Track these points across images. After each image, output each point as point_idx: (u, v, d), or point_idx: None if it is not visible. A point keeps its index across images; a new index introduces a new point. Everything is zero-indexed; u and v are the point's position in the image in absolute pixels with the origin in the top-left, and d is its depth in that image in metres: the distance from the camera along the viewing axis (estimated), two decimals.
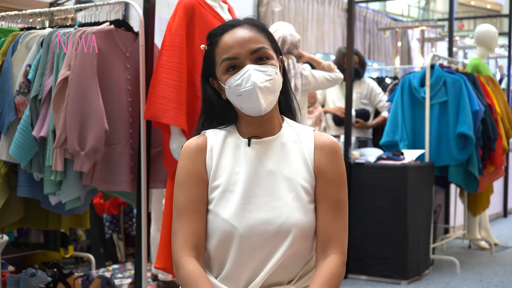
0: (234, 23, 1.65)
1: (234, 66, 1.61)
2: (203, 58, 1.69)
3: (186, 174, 1.64)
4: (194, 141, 1.68)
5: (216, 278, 1.62)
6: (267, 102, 1.59)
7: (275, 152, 1.65)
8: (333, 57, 7.33)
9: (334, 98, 5.70)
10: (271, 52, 1.64)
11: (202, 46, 1.69)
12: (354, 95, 5.46)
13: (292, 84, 4.19)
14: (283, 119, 1.71)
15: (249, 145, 1.65)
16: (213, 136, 1.68)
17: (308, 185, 1.63)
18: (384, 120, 5.49)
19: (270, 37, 1.66)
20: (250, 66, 1.59)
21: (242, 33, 1.62)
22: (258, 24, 1.66)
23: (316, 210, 1.64)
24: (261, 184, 1.62)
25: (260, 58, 1.61)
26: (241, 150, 1.65)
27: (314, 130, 1.70)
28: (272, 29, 4.24)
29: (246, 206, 1.59)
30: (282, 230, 1.57)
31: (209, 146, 1.66)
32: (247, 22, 1.65)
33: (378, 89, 5.73)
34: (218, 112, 1.70)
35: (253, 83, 1.57)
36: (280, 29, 4.16)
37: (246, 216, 1.58)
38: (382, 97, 5.68)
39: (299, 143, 1.67)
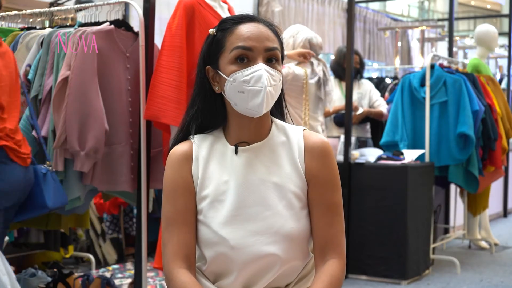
0: (252, 18, 1.60)
1: (244, 58, 1.54)
2: (208, 43, 1.61)
3: (172, 184, 1.59)
4: (179, 148, 1.62)
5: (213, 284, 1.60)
6: (267, 107, 1.54)
7: (263, 159, 1.59)
8: (333, 57, 7.34)
9: (335, 98, 5.70)
10: (280, 57, 1.59)
11: (211, 30, 1.61)
12: (355, 96, 5.45)
13: (328, 89, 4.26)
14: (272, 121, 1.65)
15: (236, 153, 1.59)
16: (200, 143, 1.62)
17: (299, 191, 1.58)
18: (380, 114, 5.47)
19: (281, 43, 1.62)
20: (263, 65, 1.53)
21: (260, 28, 1.57)
22: (274, 27, 1.62)
23: (311, 215, 1.59)
24: (251, 193, 1.56)
25: (270, 59, 1.56)
26: (228, 158, 1.59)
27: (304, 129, 1.64)
28: (290, 31, 4.27)
29: (236, 217, 1.54)
30: (275, 241, 1.53)
31: (195, 155, 1.60)
32: (264, 22, 1.61)
33: (376, 90, 5.73)
34: (206, 104, 1.62)
35: (264, 85, 1.51)
36: (301, 31, 4.25)
37: (236, 227, 1.54)
38: (379, 97, 5.67)
39: (289, 146, 1.61)
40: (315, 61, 4.23)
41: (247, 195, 1.56)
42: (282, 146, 1.61)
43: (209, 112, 1.63)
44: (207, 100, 1.62)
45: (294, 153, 1.60)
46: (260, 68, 1.52)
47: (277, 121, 1.66)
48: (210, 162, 1.60)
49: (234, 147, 1.60)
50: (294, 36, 4.25)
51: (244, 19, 1.59)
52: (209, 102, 1.62)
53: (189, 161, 1.60)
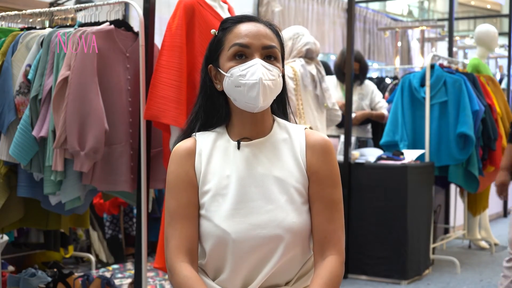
0: (252, 18, 1.65)
1: (242, 55, 1.59)
2: (210, 42, 1.67)
3: (175, 179, 1.62)
4: (183, 145, 1.65)
5: (213, 281, 1.61)
6: (265, 101, 1.57)
7: (266, 154, 1.62)
8: (333, 57, 7.33)
9: (337, 97, 5.69)
10: (279, 56, 1.63)
11: (213, 31, 1.67)
12: (356, 96, 5.44)
13: (325, 85, 4.24)
14: (274, 119, 1.68)
15: (238, 148, 1.62)
16: (203, 139, 1.65)
17: (301, 186, 1.61)
18: (381, 116, 5.46)
19: (281, 42, 1.66)
20: (258, 60, 1.57)
21: (259, 27, 1.62)
22: (273, 26, 1.66)
23: (311, 211, 1.61)
24: (253, 187, 1.59)
25: (268, 56, 1.60)
26: (230, 153, 1.62)
27: (305, 128, 1.68)
28: (291, 33, 4.21)
29: (239, 211, 1.57)
30: (276, 234, 1.55)
31: (198, 150, 1.64)
32: (264, 22, 1.65)
33: (378, 91, 5.71)
34: (209, 102, 1.66)
35: (259, 78, 1.54)
36: (302, 37, 4.18)
37: (238, 220, 1.56)
38: (381, 99, 5.66)
39: (290, 143, 1.64)
40: (302, 60, 4.16)
41: (249, 189, 1.59)
42: (284, 143, 1.65)
43: (212, 110, 1.67)
44: (209, 98, 1.66)
45: (296, 149, 1.64)
46: (255, 63, 1.57)
47: (279, 119, 1.70)
48: (213, 157, 1.63)
49: (236, 142, 1.63)
50: (294, 39, 4.18)
51: (244, 18, 1.64)
52: (211, 100, 1.66)
53: (192, 156, 1.63)
